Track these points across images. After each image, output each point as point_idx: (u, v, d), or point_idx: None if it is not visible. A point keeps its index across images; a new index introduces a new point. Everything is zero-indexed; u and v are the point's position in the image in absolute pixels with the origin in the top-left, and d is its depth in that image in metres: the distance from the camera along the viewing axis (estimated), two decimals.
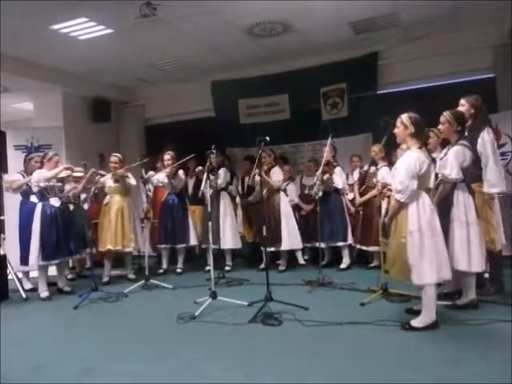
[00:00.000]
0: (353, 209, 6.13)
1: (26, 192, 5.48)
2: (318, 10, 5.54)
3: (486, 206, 3.98)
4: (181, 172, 6.23)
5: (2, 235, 6.07)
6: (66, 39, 5.98)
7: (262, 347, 3.30)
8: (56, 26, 5.64)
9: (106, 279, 5.88)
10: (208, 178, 4.94)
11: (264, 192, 5.72)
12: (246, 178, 6.39)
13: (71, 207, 5.91)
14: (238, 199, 6.84)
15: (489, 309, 3.79)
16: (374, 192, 5.53)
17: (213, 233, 5.24)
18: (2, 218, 6.36)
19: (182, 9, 5.31)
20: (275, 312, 3.93)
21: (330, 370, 2.82)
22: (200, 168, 6.02)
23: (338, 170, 5.98)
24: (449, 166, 3.62)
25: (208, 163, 5.07)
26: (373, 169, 5.58)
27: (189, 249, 6.52)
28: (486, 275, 4.11)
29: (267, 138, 4.29)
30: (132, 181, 5.93)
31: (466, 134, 3.86)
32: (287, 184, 6.45)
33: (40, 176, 5.10)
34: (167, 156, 6.12)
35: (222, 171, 6.24)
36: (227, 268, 6.24)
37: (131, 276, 6.00)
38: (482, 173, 3.96)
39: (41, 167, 5.26)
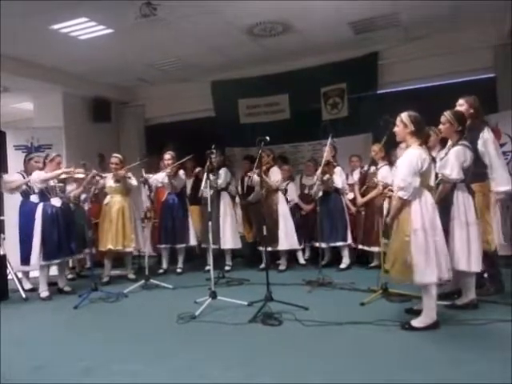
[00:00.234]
0: (353, 209, 6.13)
1: (25, 192, 5.49)
2: (318, 9, 5.54)
3: (484, 206, 3.98)
4: (181, 172, 6.23)
5: (2, 235, 6.07)
6: (66, 39, 5.98)
7: (262, 347, 3.30)
8: (56, 26, 5.64)
9: (105, 279, 5.88)
10: (208, 177, 4.94)
11: (263, 192, 5.71)
12: (246, 178, 6.39)
13: (72, 207, 5.92)
14: (237, 199, 6.84)
15: (489, 309, 3.79)
16: (375, 192, 5.52)
17: (213, 233, 5.24)
18: (1, 218, 6.36)
19: (182, 9, 5.31)
20: (275, 312, 3.93)
21: (330, 370, 2.82)
22: (199, 169, 6.03)
23: (337, 169, 5.98)
24: (449, 166, 3.62)
25: (208, 163, 5.06)
26: (373, 169, 5.58)
27: (189, 249, 6.51)
28: (486, 275, 4.10)
29: (267, 138, 4.29)
30: (133, 181, 5.94)
31: (466, 133, 3.86)
32: (287, 184, 6.46)
33: (37, 177, 5.12)
34: (167, 156, 6.13)
35: (222, 171, 6.24)
36: (227, 268, 6.24)
37: (131, 276, 6.00)
38: (481, 173, 3.96)
39: (43, 168, 5.28)
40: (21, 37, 5.78)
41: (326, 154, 5.55)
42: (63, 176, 5.21)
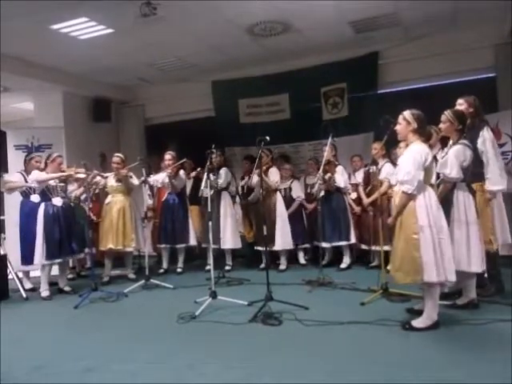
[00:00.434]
0: (357, 208, 6.08)
1: (26, 192, 5.49)
2: (318, 9, 5.54)
3: (485, 205, 3.97)
4: (181, 172, 6.23)
5: (3, 235, 6.08)
6: (67, 39, 5.98)
7: (262, 347, 3.30)
8: (56, 26, 5.64)
9: (106, 279, 5.88)
10: (208, 177, 4.94)
11: (262, 192, 5.71)
12: (246, 178, 6.39)
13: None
14: (237, 199, 6.84)
15: (489, 308, 3.79)
16: (382, 189, 5.46)
17: (213, 233, 5.24)
18: (2, 217, 6.36)
19: (182, 8, 5.30)
20: (275, 312, 3.92)
21: (330, 370, 2.81)
22: (198, 169, 6.04)
23: (339, 168, 5.98)
24: (449, 165, 3.61)
25: (208, 163, 5.06)
26: (373, 168, 5.57)
27: (189, 249, 6.51)
28: (486, 275, 4.09)
29: (267, 138, 4.29)
30: (134, 180, 5.95)
31: (466, 133, 3.86)
32: (291, 182, 6.46)
33: (34, 177, 5.12)
34: (168, 156, 6.13)
35: (222, 171, 6.23)
36: (227, 268, 6.24)
37: (131, 276, 6.00)
38: (483, 172, 3.96)
39: (44, 168, 5.28)
40: (21, 36, 5.78)
41: (327, 153, 5.55)
42: (64, 176, 5.22)
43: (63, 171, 5.27)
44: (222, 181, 6.18)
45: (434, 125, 3.99)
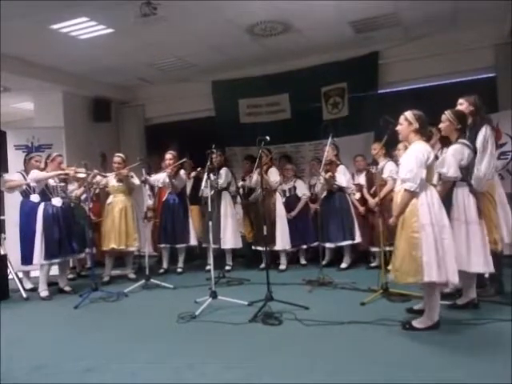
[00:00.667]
0: (361, 209, 6.03)
1: (26, 192, 5.49)
2: (319, 9, 5.53)
3: (488, 205, 3.96)
4: (182, 172, 6.23)
5: (3, 235, 6.08)
6: (67, 39, 5.97)
7: (262, 347, 3.30)
8: (56, 26, 5.63)
9: (106, 279, 5.89)
10: (208, 177, 4.94)
11: (262, 192, 5.71)
12: (247, 178, 6.38)
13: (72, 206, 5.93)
14: (238, 199, 6.84)
15: (489, 308, 3.79)
16: (386, 189, 5.46)
17: (213, 232, 5.24)
18: (2, 217, 6.36)
19: (182, 8, 5.30)
20: (275, 311, 3.93)
21: (330, 370, 2.81)
22: (198, 169, 6.04)
23: (341, 168, 5.97)
24: (446, 164, 3.60)
25: (208, 163, 5.07)
26: (375, 168, 5.56)
27: (189, 248, 6.51)
28: (487, 275, 4.09)
29: (267, 138, 4.29)
30: (135, 180, 5.95)
31: (467, 132, 3.86)
32: (294, 181, 6.46)
33: (33, 176, 5.13)
34: (168, 155, 6.13)
35: (223, 171, 6.23)
36: (227, 268, 6.24)
37: (131, 276, 6.00)
38: None
39: (44, 168, 5.28)
40: (21, 36, 5.78)
41: (327, 153, 5.55)
42: (62, 176, 5.21)
43: (63, 170, 5.27)
44: (222, 181, 6.18)
45: (434, 125, 3.99)
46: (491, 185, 4.02)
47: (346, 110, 7.31)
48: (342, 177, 5.92)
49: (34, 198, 5.35)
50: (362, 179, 6.09)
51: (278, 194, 6.19)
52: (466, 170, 3.67)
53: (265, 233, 4.58)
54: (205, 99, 8.16)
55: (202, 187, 5.46)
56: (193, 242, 6.31)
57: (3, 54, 6.03)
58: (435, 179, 3.56)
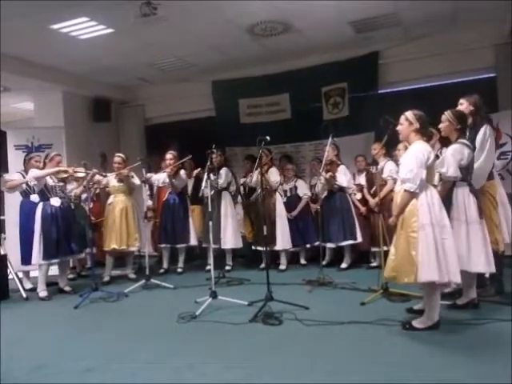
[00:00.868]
0: (362, 209, 6.04)
1: (25, 191, 5.49)
2: (319, 9, 5.53)
3: (489, 205, 3.95)
4: (182, 172, 6.23)
5: (3, 235, 6.08)
6: (67, 39, 5.97)
7: (262, 347, 3.30)
8: (56, 26, 5.63)
9: (106, 279, 5.89)
10: (208, 177, 4.94)
11: (262, 192, 5.71)
12: (248, 178, 6.38)
13: (72, 207, 5.92)
14: (239, 199, 6.84)
15: (489, 308, 3.79)
16: (386, 189, 5.46)
17: (213, 232, 5.24)
18: (2, 217, 6.36)
19: (182, 8, 5.30)
20: (276, 311, 3.93)
21: (330, 370, 2.81)
22: (198, 169, 6.05)
23: (341, 168, 5.96)
24: (446, 164, 3.60)
25: (209, 163, 5.07)
26: (375, 168, 5.57)
27: (189, 248, 6.51)
28: (487, 275, 4.09)
29: (267, 138, 4.29)
30: (136, 180, 5.95)
31: (468, 132, 3.86)
32: (295, 181, 6.46)
33: (31, 175, 5.11)
34: (169, 155, 6.13)
35: (223, 171, 6.23)
36: (227, 268, 6.24)
37: (132, 276, 6.00)
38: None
39: (43, 167, 5.27)
40: (21, 36, 5.78)
41: (327, 153, 5.55)
42: (63, 175, 5.20)
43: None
44: (222, 181, 6.18)
45: (434, 125, 3.99)
46: (492, 185, 4.02)
47: (346, 109, 7.31)
48: (343, 177, 5.92)
49: (34, 198, 5.34)
50: (362, 179, 6.09)
51: (278, 194, 6.19)
52: (466, 170, 3.67)
53: (265, 233, 4.58)
54: (205, 99, 8.16)
55: (203, 187, 5.46)
56: (193, 241, 6.31)
57: (3, 53, 6.03)
58: (436, 179, 3.56)
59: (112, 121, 8.65)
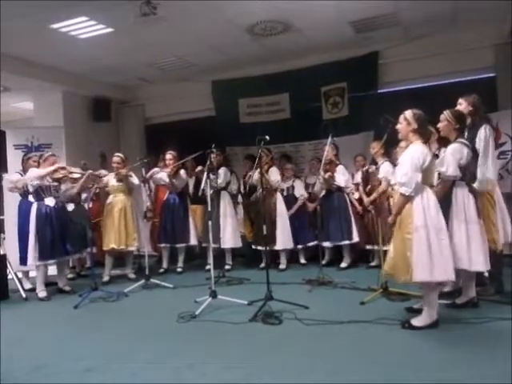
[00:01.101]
0: (359, 208, 6.05)
1: (24, 192, 5.47)
2: (318, 9, 5.53)
3: (487, 204, 3.96)
4: (182, 171, 6.23)
5: (2, 235, 6.07)
6: (66, 38, 5.97)
7: (262, 346, 3.30)
8: (56, 25, 5.63)
9: (106, 279, 5.88)
10: (208, 177, 4.94)
11: (262, 191, 5.71)
12: (247, 178, 6.39)
13: (72, 206, 5.92)
14: (239, 198, 6.84)
15: (489, 307, 3.80)
16: (380, 189, 5.47)
17: (213, 232, 5.24)
18: (1, 217, 6.35)
19: (182, 8, 5.30)
20: (275, 311, 3.93)
21: (330, 370, 2.82)
22: (200, 168, 6.04)
23: (340, 168, 5.97)
24: (445, 163, 3.61)
25: (208, 162, 5.07)
26: (373, 167, 5.58)
27: (189, 248, 6.51)
28: (486, 274, 4.10)
29: (267, 137, 4.29)
30: (135, 180, 5.95)
31: (467, 132, 3.86)
32: (293, 181, 6.46)
33: (32, 174, 5.09)
34: (169, 155, 6.13)
35: (222, 171, 6.23)
36: (227, 267, 6.24)
37: (131, 276, 6.00)
38: None
39: (37, 168, 5.24)
40: (21, 36, 5.78)
41: (327, 153, 5.56)
42: (61, 173, 5.18)
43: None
44: (221, 180, 6.18)
45: (433, 124, 3.99)
46: (489, 184, 4.02)
47: (345, 109, 7.31)
48: (341, 177, 5.93)
49: (32, 198, 5.32)
50: (358, 177, 6.13)
51: (278, 193, 6.19)
52: (465, 170, 3.68)
53: (264, 232, 4.58)
54: (205, 99, 8.16)
55: (202, 187, 5.46)
56: (193, 241, 6.31)
57: (3, 53, 6.02)
58: (435, 180, 3.56)
59: (112, 121, 8.65)
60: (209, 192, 4.98)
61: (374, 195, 5.70)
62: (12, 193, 5.63)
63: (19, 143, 6.82)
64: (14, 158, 6.28)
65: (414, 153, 3.35)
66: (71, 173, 5.32)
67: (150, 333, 3.75)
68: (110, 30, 5.87)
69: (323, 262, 5.54)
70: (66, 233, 5.25)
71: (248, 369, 2.89)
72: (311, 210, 6.43)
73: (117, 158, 5.94)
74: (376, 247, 5.77)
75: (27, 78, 6.94)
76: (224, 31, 6.14)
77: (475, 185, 3.85)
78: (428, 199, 3.33)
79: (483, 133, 3.93)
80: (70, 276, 6.16)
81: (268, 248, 5.84)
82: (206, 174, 4.93)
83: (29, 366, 3.12)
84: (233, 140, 7.98)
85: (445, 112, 3.81)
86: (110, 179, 5.93)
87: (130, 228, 5.84)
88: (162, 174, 6.18)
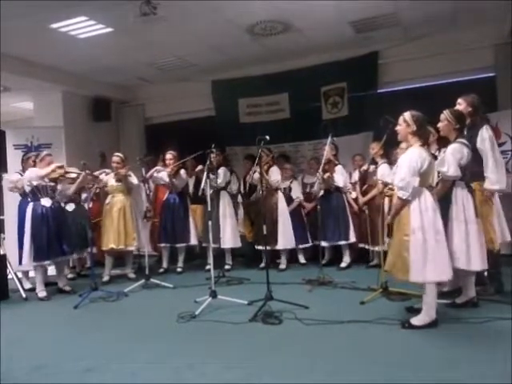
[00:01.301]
0: (356, 207, 6.10)
1: (24, 192, 5.46)
2: (318, 9, 5.53)
3: (485, 204, 3.97)
4: (182, 171, 6.23)
5: (2, 235, 6.06)
6: (66, 38, 5.97)
7: (262, 346, 3.30)
8: (55, 25, 5.63)
9: (106, 278, 5.88)
10: (208, 177, 4.94)
11: (263, 191, 5.71)
12: (248, 177, 6.38)
13: (72, 206, 5.91)
14: (239, 198, 6.84)
15: (488, 307, 3.80)
16: (375, 190, 5.53)
17: (213, 232, 5.24)
18: (1, 217, 6.35)
19: (182, 8, 5.30)
20: (275, 311, 3.93)
21: (330, 369, 2.82)
22: (200, 167, 6.04)
23: (338, 168, 5.97)
24: (446, 163, 3.62)
25: (208, 162, 5.07)
26: (372, 167, 5.58)
27: (189, 248, 6.51)
28: (485, 273, 4.10)
29: (267, 137, 4.30)
30: (134, 180, 5.94)
31: (466, 132, 3.87)
32: (291, 182, 6.46)
33: (32, 174, 5.07)
34: (169, 155, 6.13)
35: (221, 171, 6.23)
36: (227, 267, 6.23)
37: (131, 275, 6.00)
38: (481, 171, 3.96)
39: (33, 167, 5.22)
40: (21, 36, 5.78)
41: (326, 153, 5.56)
42: (57, 172, 5.16)
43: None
44: (220, 180, 6.18)
45: (433, 124, 3.99)
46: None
47: (345, 109, 7.31)
48: (340, 177, 5.93)
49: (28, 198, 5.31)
50: (356, 176, 6.16)
51: (280, 192, 6.18)
52: (465, 170, 3.68)
53: (264, 232, 4.58)
54: (205, 99, 8.17)
55: (202, 186, 5.46)
56: (193, 241, 6.31)
57: (3, 53, 6.02)
58: (435, 180, 3.57)
59: (112, 120, 8.66)
60: (208, 192, 4.98)
61: (369, 196, 5.76)
62: (12, 193, 5.62)
63: (19, 143, 6.82)
64: (13, 157, 6.27)
65: (411, 157, 3.36)
66: (67, 172, 5.29)
67: (150, 333, 3.75)
68: (109, 29, 5.87)
69: (323, 262, 5.54)
70: (62, 233, 5.21)
71: (248, 369, 2.89)
72: (309, 210, 6.45)
73: (116, 157, 5.94)
74: (370, 247, 5.84)
75: (27, 78, 6.94)
76: (224, 31, 6.14)
77: (493, 187, 3.87)
78: (426, 201, 3.36)
79: (486, 132, 3.94)
80: (70, 276, 6.16)
81: (270, 248, 5.89)
82: (205, 173, 4.93)
83: (29, 366, 3.12)
84: (233, 140, 7.98)
85: (445, 112, 3.81)
86: (109, 179, 5.92)
87: (129, 228, 5.83)
88: (162, 174, 6.18)
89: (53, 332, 3.96)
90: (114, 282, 5.85)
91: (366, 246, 5.93)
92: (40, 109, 8.00)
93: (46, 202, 5.15)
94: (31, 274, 5.72)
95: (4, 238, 6.03)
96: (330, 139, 5.41)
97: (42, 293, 5.13)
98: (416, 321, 3.42)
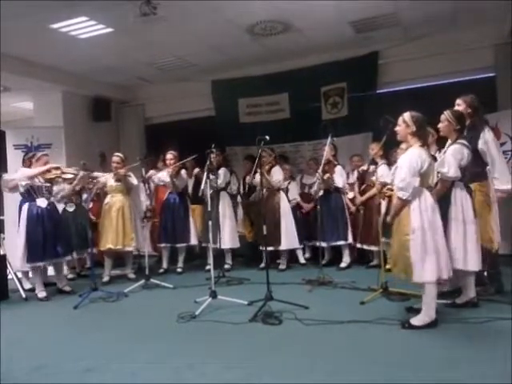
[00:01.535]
0: (353, 208, 6.13)
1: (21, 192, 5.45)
2: (318, 9, 5.54)
3: (484, 205, 3.97)
4: (183, 171, 6.23)
5: (2, 235, 6.06)
6: (66, 38, 5.97)
7: (262, 346, 3.30)
8: (55, 25, 5.63)
9: (106, 279, 5.87)
10: (208, 177, 4.94)
11: (264, 191, 5.70)
12: (247, 178, 6.38)
13: (73, 207, 5.91)
14: (239, 198, 6.84)
15: (488, 307, 3.80)
16: (373, 191, 5.55)
17: (213, 232, 5.23)
18: (1, 217, 6.35)
19: (182, 8, 5.30)
20: (275, 311, 3.93)
21: (330, 370, 2.82)
22: (197, 170, 6.05)
23: (338, 169, 5.98)
24: (446, 164, 3.62)
25: (208, 162, 5.06)
26: (372, 168, 5.58)
27: (189, 248, 6.51)
28: (486, 274, 4.11)
29: (267, 137, 4.29)
30: (133, 180, 5.94)
31: (466, 133, 3.87)
32: (288, 183, 6.46)
33: (20, 174, 5.04)
34: (169, 155, 6.13)
35: (221, 171, 6.23)
36: (227, 267, 6.23)
37: (131, 276, 6.00)
38: (481, 172, 3.96)
39: (29, 167, 5.18)
40: (21, 36, 5.78)
41: (326, 153, 5.56)
42: (53, 173, 5.13)
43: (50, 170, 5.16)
44: (220, 181, 6.18)
45: (433, 124, 3.99)
46: (488, 184, 4.03)
47: (345, 109, 7.32)
48: (339, 177, 5.94)
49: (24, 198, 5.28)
50: (355, 175, 6.17)
51: (282, 192, 6.17)
52: (465, 170, 3.68)
53: (264, 232, 4.57)
54: (205, 99, 8.17)
55: (202, 187, 5.46)
56: (193, 241, 6.31)
57: (3, 53, 6.03)
58: (434, 180, 3.57)
59: (112, 120, 8.67)
60: (208, 192, 4.98)
61: (367, 195, 5.79)
62: (12, 193, 5.62)
63: (19, 143, 6.83)
64: (13, 157, 6.29)
65: (411, 157, 3.37)
66: (64, 173, 5.26)
67: (150, 333, 3.75)
68: (109, 29, 5.87)
69: (323, 262, 5.54)
70: (57, 234, 5.16)
71: (248, 369, 2.89)
72: (306, 210, 6.45)
73: (116, 157, 5.93)
74: (365, 246, 5.87)
75: (27, 78, 6.94)
76: (224, 31, 6.15)
77: (502, 186, 3.90)
78: (425, 201, 3.37)
79: (488, 135, 3.95)
80: (70, 276, 6.15)
81: (273, 248, 5.89)
82: (205, 174, 4.93)
83: (29, 367, 3.12)
84: (233, 140, 7.98)
85: (445, 112, 3.81)
86: (109, 179, 5.92)
87: (128, 228, 5.82)
88: (161, 174, 6.17)
89: (53, 332, 3.96)
90: (113, 282, 5.85)
91: (363, 246, 5.92)
92: (40, 109, 8.01)
93: (41, 202, 5.09)
94: (31, 274, 5.71)
95: (4, 238, 6.03)
96: (329, 139, 5.41)
97: (41, 293, 5.12)
98: (416, 321, 3.42)
